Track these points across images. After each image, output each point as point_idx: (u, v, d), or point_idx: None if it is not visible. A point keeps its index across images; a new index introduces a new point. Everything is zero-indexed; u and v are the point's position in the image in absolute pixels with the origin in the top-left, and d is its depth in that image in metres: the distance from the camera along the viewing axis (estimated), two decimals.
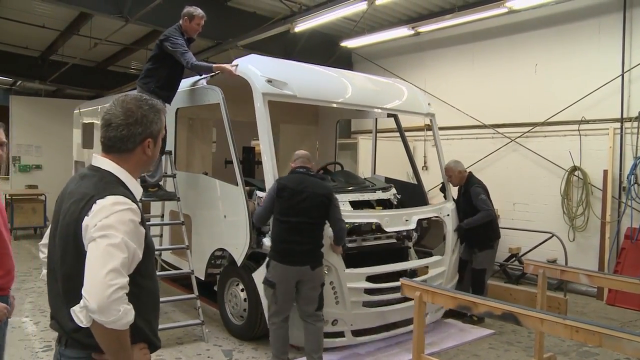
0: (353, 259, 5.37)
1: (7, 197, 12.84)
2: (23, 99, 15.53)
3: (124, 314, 1.79)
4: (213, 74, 5.85)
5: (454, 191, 6.92)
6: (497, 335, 6.13)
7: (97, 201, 1.89)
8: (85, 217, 1.89)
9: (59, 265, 1.99)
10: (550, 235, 7.57)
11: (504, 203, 9.24)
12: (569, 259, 7.23)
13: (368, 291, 5.32)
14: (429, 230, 6.63)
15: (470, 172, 6.83)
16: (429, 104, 6.99)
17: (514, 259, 8.67)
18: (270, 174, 5.21)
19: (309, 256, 4.75)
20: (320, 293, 4.82)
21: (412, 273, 5.89)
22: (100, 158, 2.08)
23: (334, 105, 6.19)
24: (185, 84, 6.50)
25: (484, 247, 6.50)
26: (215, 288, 6.19)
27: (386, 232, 5.90)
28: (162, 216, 6.84)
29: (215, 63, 5.95)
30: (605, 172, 7.92)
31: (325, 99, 5.98)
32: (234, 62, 5.70)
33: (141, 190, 2.17)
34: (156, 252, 6.65)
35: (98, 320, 1.76)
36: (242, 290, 5.62)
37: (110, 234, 1.82)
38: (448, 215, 6.27)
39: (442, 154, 7.00)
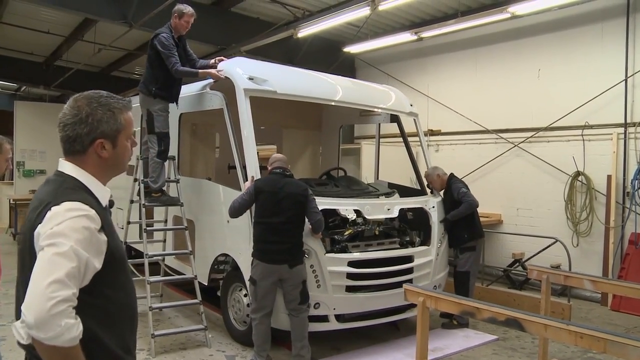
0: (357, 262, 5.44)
1: (11, 201, 12.89)
2: (27, 104, 15.61)
3: (66, 330, 1.60)
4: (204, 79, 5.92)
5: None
6: (501, 341, 6.11)
7: (52, 208, 1.76)
8: (39, 225, 1.75)
9: (19, 277, 1.87)
10: (554, 240, 7.54)
11: (507, 208, 9.24)
12: (572, 265, 7.19)
13: (354, 277, 5.38)
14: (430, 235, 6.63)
15: (451, 174, 6.87)
16: (411, 105, 7.12)
17: (518, 264, 8.64)
18: (252, 168, 5.38)
19: (287, 255, 4.95)
20: (302, 289, 4.99)
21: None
22: (63, 162, 1.97)
23: (314, 101, 6.29)
24: (188, 89, 6.53)
25: (464, 249, 6.55)
26: (219, 293, 6.19)
27: (390, 238, 5.94)
28: (166, 221, 6.83)
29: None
30: (609, 177, 7.90)
31: (306, 95, 6.11)
32: (219, 67, 5.93)
33: (108, 194, 2.01)
34: (159, 257, 6.66)
35: (36, 337, 1.60)
36: (245, 295, 5.62)
37: (58, 242, 1.67)
38: (433, 207, 6.34)
39: (427, 153, 7.14)
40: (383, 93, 7.19)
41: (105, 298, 1.85)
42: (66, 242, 1.68)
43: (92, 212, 1.80)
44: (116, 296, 1.91)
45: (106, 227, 1.85)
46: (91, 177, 1.94)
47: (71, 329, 1.62)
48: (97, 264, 1.77)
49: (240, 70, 5.79)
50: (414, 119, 7.11)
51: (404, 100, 7.16)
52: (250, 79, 5.64)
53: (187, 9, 5.98)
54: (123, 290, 1.97)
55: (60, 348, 1.61)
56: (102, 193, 1.97)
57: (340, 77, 7.16)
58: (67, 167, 1.94)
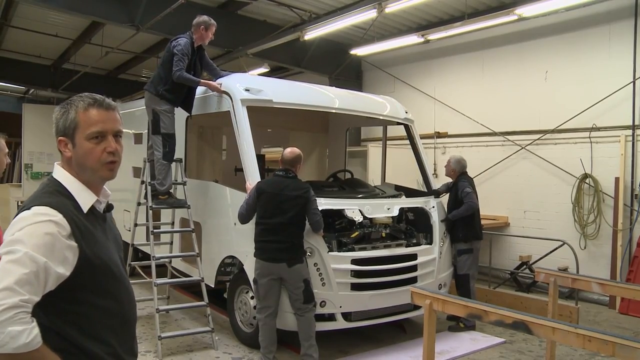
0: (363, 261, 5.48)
1: (20, 204, 12.95)
2: (35, 107, 15.66)
3: (10, 338, 1.53)
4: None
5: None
6: (508, 344, 6.09)
7: (21, 213, 1.73)
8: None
9: None
10: (562, 243, 7.50)
11: (514, 211, 9.21)
12: (580, 267, 7.15)
13: (358, 275, 5.40)
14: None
15: (464, 172, 6.86)
16: (406, 112, 7.18)
17: (525, 267, 8.62)
18: (252, 177, 5.47)
19: (284, 253, 4.99)
20: (304, 289, 5.01)
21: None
22: (55, 164, 1.96)
23: (307, 108, 6.35)
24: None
25: (461, 251, 6.55)
26: (225, 295, 6.20)
27: (397, 240, 5.94)
28: (173, 224, 6.85)
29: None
30: (617, 179, 7.85)
31: (301, 103, 6.24)
32: (218, 81, 6.12)
33: (91, 198, 1.90)
34: (166, 260, 6.68)
35: None
36: (251, 297, 5.63)
37: (14, 249, 1.62)
38: (433, 207, 6.38)
39: (423, 159, 7.12)
40: (377, 103, 7.25)
41: (87, 305, 1.80)
42: (22, 248, 1.63)
43: (59, 217, 1.73)
44: (101, 303, 1.84)
45: (79, 233, 1.77)
46: (74, 180, 1.88)
47: (17, 337, 1.54)
48: (62, 269, 1.70)
49: (237, 83, 5.99)
50: (410, 126, 7.14)
51: (399, 108, 7.22)
52: (247, 90, 5.83)
53: (211, 20, 6.13)
54: (110, 297, 1.88)
55: (15, 355, 1.56)
56: (85, 198, 1.87)
57: (335, 88, 7.37)
58: (55, 170, 1.93)
